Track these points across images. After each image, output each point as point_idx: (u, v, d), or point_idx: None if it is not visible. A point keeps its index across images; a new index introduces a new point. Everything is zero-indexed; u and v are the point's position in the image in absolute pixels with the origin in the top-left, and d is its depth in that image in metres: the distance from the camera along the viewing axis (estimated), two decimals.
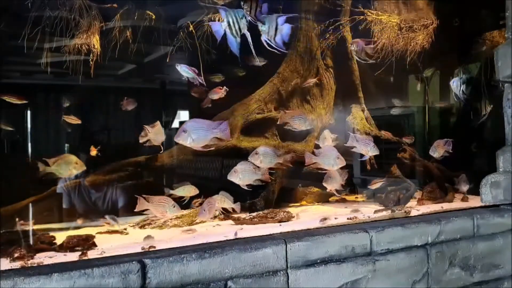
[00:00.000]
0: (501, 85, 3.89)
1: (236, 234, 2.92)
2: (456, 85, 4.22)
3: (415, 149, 4.60)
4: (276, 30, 2.73)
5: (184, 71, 3.39)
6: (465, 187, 4.34)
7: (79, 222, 3.42)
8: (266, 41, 2.76)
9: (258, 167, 3.20)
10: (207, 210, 3.01)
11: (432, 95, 5.34)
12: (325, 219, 3.32)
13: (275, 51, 2.80)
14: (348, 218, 3.37)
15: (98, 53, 3.44)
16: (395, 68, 4.42)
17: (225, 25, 2.64)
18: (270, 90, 4.33)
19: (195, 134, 2.74)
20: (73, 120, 3.60)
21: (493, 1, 4.34)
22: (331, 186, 3.64)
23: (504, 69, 3.83)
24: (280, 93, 4.37)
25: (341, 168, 3.60)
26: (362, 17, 4.45)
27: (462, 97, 4.22)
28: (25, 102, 3.35)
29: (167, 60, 3.79)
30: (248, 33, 2.70)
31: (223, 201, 3.35)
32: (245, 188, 3.14)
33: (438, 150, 4.10)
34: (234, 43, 2.67)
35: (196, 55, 3.73)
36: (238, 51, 2.69)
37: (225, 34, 2.68)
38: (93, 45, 3.42)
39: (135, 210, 2.96)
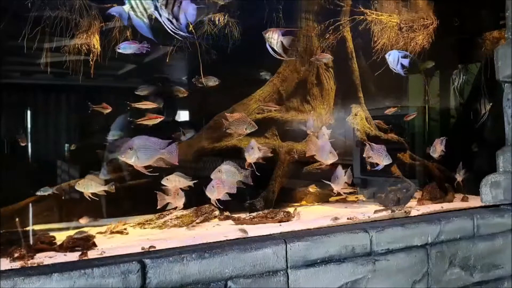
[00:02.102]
0: (503, 85, 3.88)
1: (244, 231, 2.93)
2: (392, 58, 3.78)
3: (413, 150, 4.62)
4: (178, 9, 2.42)
5: (125, 48, 3.28)
6: (460, 177, 4.32)
7: (82, 221, 3.41)
8: (168, 23, 2.42)
9: (245, 168, 3.22)
10: (215, 187, 2.98)
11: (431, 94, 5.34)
12: (293, 216, 3.52)
13: (178, 35, 2.50)
14: (348, 218, 3.38)
15: (98, 53, 3.44)
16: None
17: (128, 7, 2.37)
18: (270, 90, 4.32)
19: (141, 152, 2.60)
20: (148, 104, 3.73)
21: (493, 1, 4.34)
22: (339, 186, 3.65)
23: (504, 69, 3.83)
24: (280, 93, 4.36)
25: (344, 169, 3.62)
26: (362, 17, 4.45)
27: (403, 72, 3.80)
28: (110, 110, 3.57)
29: (167, 60, 3.80)
30: (157, 13, 2.40)
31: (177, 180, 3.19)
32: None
33: (437, 149, 4.10)
34: (142, 25, 2.41)
35: (196, 55, 3.73)
36: (149, 33, 2.44)
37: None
38: (93, 45, 3.42)
39: (158, 207, 3.00)
